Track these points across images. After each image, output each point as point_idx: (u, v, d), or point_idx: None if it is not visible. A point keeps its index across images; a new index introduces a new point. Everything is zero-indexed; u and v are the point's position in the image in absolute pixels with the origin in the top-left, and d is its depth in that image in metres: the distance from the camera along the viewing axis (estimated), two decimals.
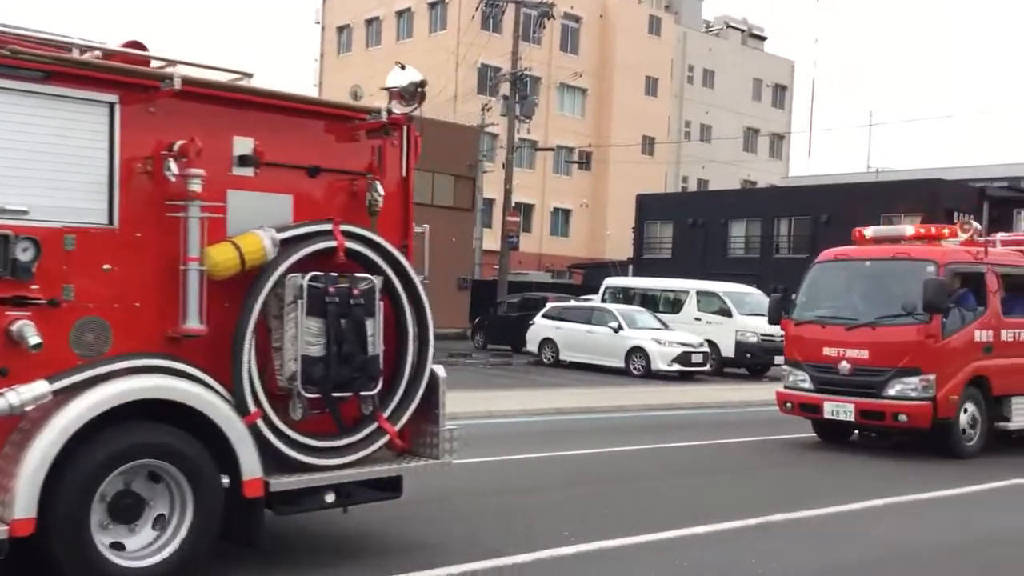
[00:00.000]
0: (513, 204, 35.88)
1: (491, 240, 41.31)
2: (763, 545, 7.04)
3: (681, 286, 25.69)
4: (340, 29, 58.62)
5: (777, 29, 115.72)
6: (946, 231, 12.21)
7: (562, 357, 23.42)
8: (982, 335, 11.59)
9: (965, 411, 11.41)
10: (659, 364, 21.15)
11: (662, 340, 21.57)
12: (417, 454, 6.21)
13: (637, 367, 21.50)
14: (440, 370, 6.29)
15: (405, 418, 6.03)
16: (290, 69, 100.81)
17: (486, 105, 38.59)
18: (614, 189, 54.23)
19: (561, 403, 15.79)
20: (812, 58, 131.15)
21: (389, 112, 6.55)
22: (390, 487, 6.19)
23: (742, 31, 67.35)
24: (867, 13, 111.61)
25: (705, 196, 51.95)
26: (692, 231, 43.71)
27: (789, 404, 12.16)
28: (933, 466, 10.92)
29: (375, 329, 5.76)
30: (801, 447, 12.15)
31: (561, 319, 24.06)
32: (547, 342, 23.96)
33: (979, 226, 12.13)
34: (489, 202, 43.33)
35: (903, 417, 11.13)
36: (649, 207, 46.77)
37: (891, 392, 11.22)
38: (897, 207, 39.63)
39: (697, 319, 23.93)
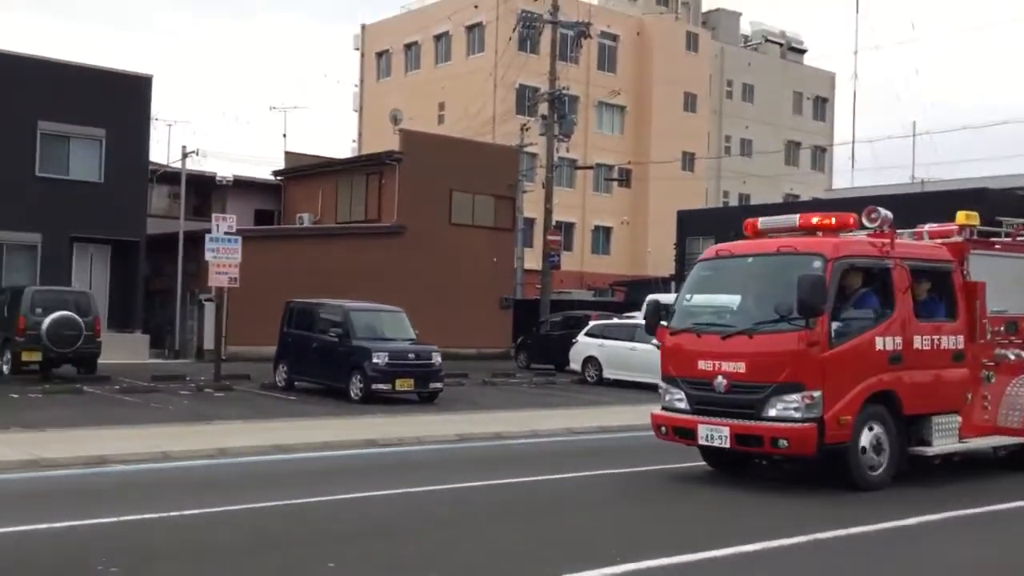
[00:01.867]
0: (554, 223, 35.95)
1: (532, 259, 41.37)
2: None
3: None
4: (379, 55, 59.27)
5: (817, 41, 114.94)
6: (850, 220, 10.41)
7: (605, 375, 23.39)
8: (886, 343, 9.85)
9: (867, 433, 9.65)
10: None
11: None
12: None
13: None
14: None
15: None
16: (331, 96, 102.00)
17: (525, 125, 38.76)
18: (655, 206, 54.08)
19: (605, 421, 15.78)
20: (853, 69, 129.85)
21: None
22: None
23: (780, 45, 67.01)
24: (907, 23, 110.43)
25: (747, 211, 51.42)
26: None
27: (664, 428, 10.49)
28: (831, 501, 9.40)
29: None
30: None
31: (604, 337, 24.05)
32: (590, 360, 23.95)
33: (888, 214, 10.33)
34: (530, 221, 43.42)
35: (783, 442, 9.34)
36: (690, 223, 46.49)
37: (771, 412, 9.45)
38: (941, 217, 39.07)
39: None
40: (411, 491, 9.63)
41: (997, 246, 11.75)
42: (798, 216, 10.71)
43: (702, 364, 10.03)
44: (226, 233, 20.66)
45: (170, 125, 56.05)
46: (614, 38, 55.08)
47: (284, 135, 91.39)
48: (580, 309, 32.91)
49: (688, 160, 56.93)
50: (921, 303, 10.42)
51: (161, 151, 52.06)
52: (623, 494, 9.89)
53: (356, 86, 60.56)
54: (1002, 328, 11.21)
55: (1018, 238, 12.05)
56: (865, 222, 10.40)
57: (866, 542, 7.68)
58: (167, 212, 34.44)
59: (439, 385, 19.52)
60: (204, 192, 35.89)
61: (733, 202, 60.50)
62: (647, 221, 54.92)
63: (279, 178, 38.26)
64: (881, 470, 9.80)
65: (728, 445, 9.82)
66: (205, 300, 28.49)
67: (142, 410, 16.40)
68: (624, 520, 8.53)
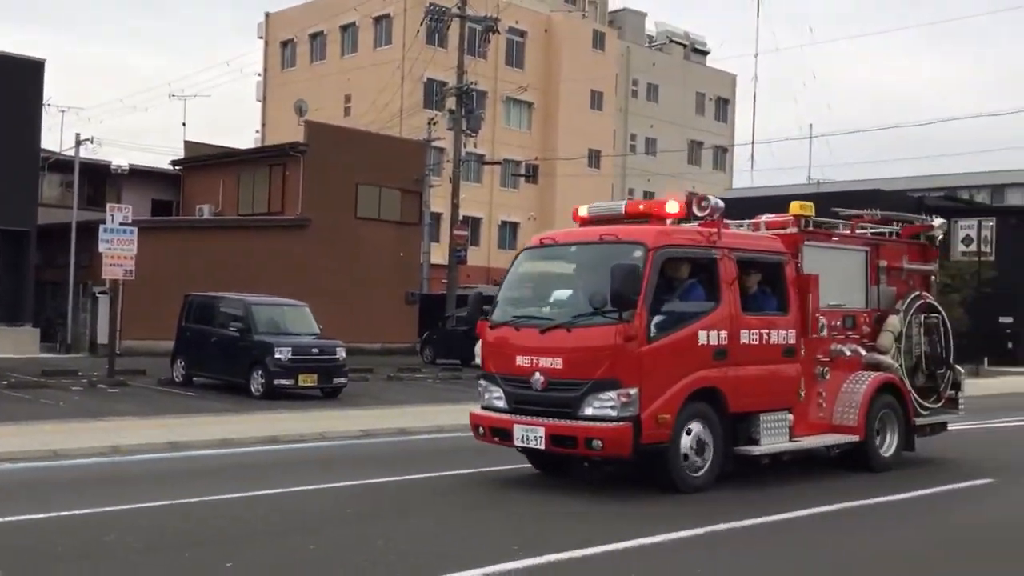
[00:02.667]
0: (460, 218, 35.85)
1: (439, 254, 41.23)
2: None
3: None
4: (284, 44, 58.20)
5: (719, 44, 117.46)
6: (676, 207, 9.80)
7: None
8: (711, 337, 9.34)
9: (688, 433, 9.12)
10: None
11: None
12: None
13: None
14: (960, 368, 11.91)
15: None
16: (234, 85, 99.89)
17: (432, 119, 38.56)
18: (561, 202, 54.40)
19: None
20: (753, 72, 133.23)
21: None
22: (944, 426, 12.18)
23: (684, 46, 68.20)
24: (807, 27, 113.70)
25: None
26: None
27: (481, 429, 9.82)
28: (649, 504, 8.83)
29: None
30: None
31: None
32: None
33: (719, 203, 9.85)
34: (436, 216, 43.24)
35: (597, 443, 8.76)
36: None
37: (587, 411, 8.88)
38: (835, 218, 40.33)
39: None
40: (313, 488, 9.45)
41: (834, 238, 11.43)
42: (625, 203, 10.31)
43: (520, 360, 9.38)
44: (121, 224, 20.03)
45: (63, 112, 53.70)
46: (522, 34, 55.23)
47: (184, 124, 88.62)
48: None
49: (594, 157, 57.48)
50: (752, 296, 9.99)
51: (54, 139, 50.19)
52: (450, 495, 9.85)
53: (260, 75, 59.35)
54: (839, 323, 10.97)
55: (857, 230, 11.79)
56: (695, 211, 9.85)
57: (679, 549, 7.18)
58: (59, 201, 33.21)
59: (343, 380, 19.28)
60: (98, 181, 34.70)
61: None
62: (554, 217, 55.21)
63: (178, 168, 37.26)
64: (703, 471, 9.28)
65: (543, 447, 9.18)
66: (99, 293, 27.59)
67: (31, 406, 15.76)
68: (455, 522, 8.51)
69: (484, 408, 9.89)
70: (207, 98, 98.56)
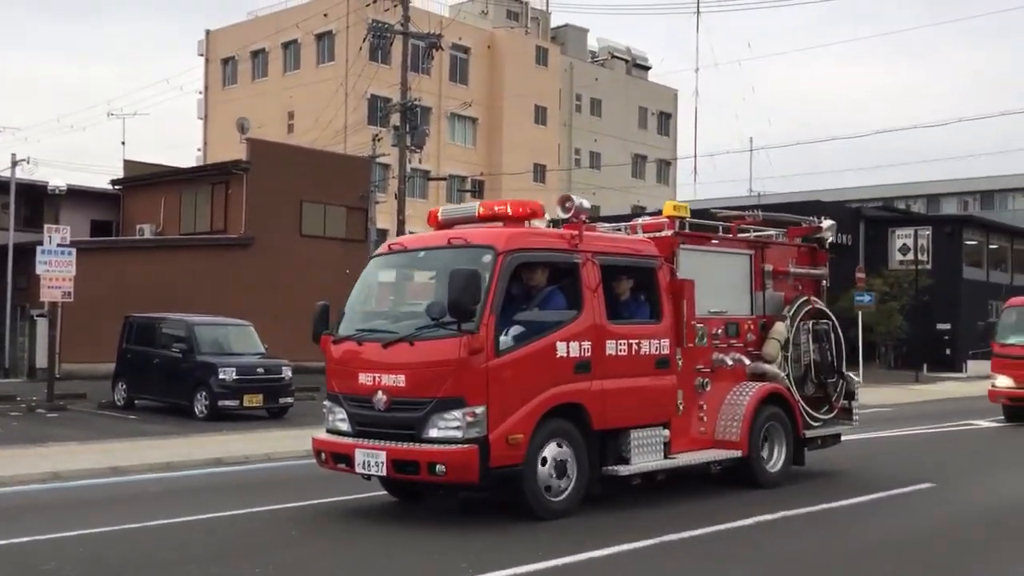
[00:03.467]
0: (407, 234, 35.73)
1: None
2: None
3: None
4: (225, 61, 57.66)
5: (659, 59, 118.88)
6: (538, 209, 9.15)
7: None
8: (571, 348, 8.61)
9: (546, 454, 8.37)
10: None
11: None
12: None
13: None
14: (855, 376, 11.75)
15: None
16: (174, 103, 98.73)
17: (377, 136, 38.40)
18: None
19: None
20: (694, 86, 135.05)
21: None
22: (837, 438, 11.73)
23: (626, 61, 68.91)
24: (744, 42, 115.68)
25: (596, 222, 52.72)
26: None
27: (323, 455, 8.97)
28: (504, 533, 8.06)
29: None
30: None
31: None
32: None
33: (585, 203, 9.22)
34: (383, 232, 42.93)
35: (441, 468, 7.93)
36: None
37: (431, 433, 8.08)
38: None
39: None
40: (258, 510, 9.32)
41: (714, 241, 10.79)
42: (479, 204, 9.41)
43: (363, 378, 8.55)
44: (59, 245, 19.66)
45: None
46: (466, 50, 55.37)
47: (123, 143, 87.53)
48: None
49: (539, 172, 57.73)
50: (623, 303, 9.41)
51: None
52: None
53: (200, 93, 58.70)
54: (721, 331, 10.35)
55: (739, 234, 11.18)
56: (559, 212, 9.21)
57: None
58: None
59: (289, 400, 19.10)
60: (35, 202, 33.95)
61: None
62: None
63: (117, 187, 36.64)
64: (565, 495, 8.52)
65: (385, 473, 8.37)
66: (37, 316, 27.00)
67: None
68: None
69: (329, 432, 9.01)
70: (146, 116, 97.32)
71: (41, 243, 19.80)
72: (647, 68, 71.02)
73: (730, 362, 10.34)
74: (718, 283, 10.50)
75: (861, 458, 12.93)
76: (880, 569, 7.22)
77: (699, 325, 10.02)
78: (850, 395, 11.67)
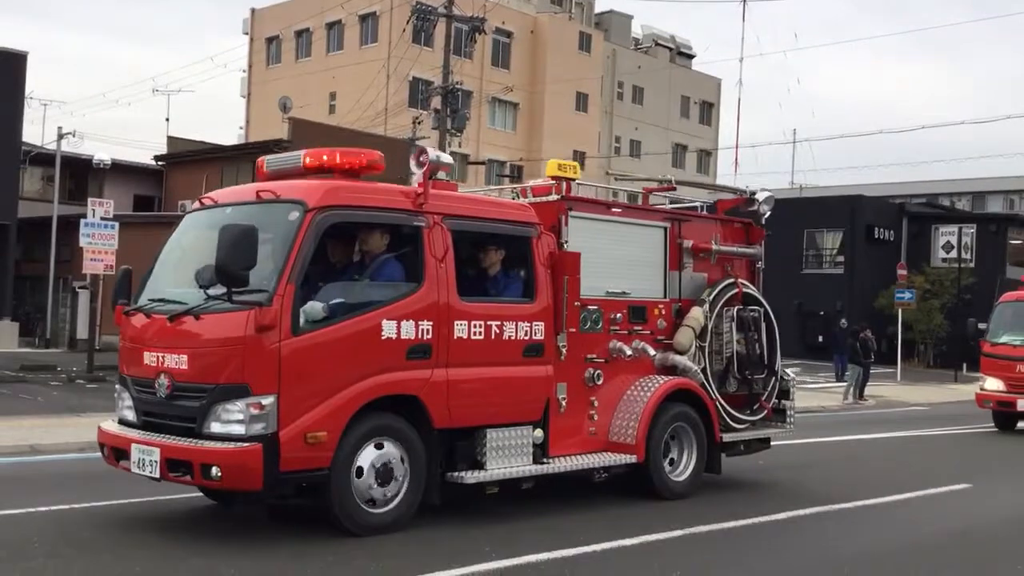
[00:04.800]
0: None
1: None
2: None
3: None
4: (269, 40, 57.97)
5: (705, 47, 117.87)
6: (376, 160, 7.63)
7: None
8: (404, 328, 7.17)
9: (363, 456, 6.99)
10: None
11: None
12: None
13: None
14: (791, 372, 10.62)
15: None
16: (219, 81, 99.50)
17: (417, 118, 38.48)
18: None
19: None
20: (738, 76, 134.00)
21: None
22: (765, 442, 10.38)
23: (670, 49, 68.36)
24: (792, 32, 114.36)
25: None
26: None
27: (105, 448, 7.57)
28: (306, 554, 6.64)
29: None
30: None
31: None
32: None
33: (444, 157, 7.86)
34: None
35: (216, 471, 6.53)
36: None
37: (213, 427, 6.68)
38: (819, 223, 40.59)
39: None
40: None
41: (616, 210, 9.29)
42: (305, 152, 7.69)
43: (147, 357, 7.16)
44: (102, 219, 19.93)
45: (45, 105, 53.55)
46: (508, 35, 55.22)
47: (167, 119, 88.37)
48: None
49: (579, 159, 57.51)
50: (492, 279, 8.12)
51: (36, 132, 49.87)
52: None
53: (244, 72, 59.10)
54: (621, 315, 8.93)
55: (654, 204, 10.00)
56: (412, 167, 7.76)
57: None
58: (41, 195, 33.01)
59: None
60: (80, 176, 34.48)
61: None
62: None
63: (161, 164, 37.05)
64: (391, 506, 7.13)
65: (159, 474, 6.90)
66: (79, 288, 27.39)
67: (9, 401, 15.63)
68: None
69: (119, 421, 7.57)
70: (191, 93, 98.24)
71: (85, 216, 20.08)
72: (691, 56, 70.42)
73: (629, 352, 8.85)
74: (621, 260, 9.06)
75: (804, 467, 11.68)
76: None
77: (593, 307, 8.61)
78: (784, 394, 10.25)
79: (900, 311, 29.45)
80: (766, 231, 10.55)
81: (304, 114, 40.99)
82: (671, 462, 9.19)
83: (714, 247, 9.83)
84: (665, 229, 9.57)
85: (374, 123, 43.11)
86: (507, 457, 7.79)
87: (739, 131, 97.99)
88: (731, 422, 9.67)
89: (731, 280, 9.87)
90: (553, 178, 8.63)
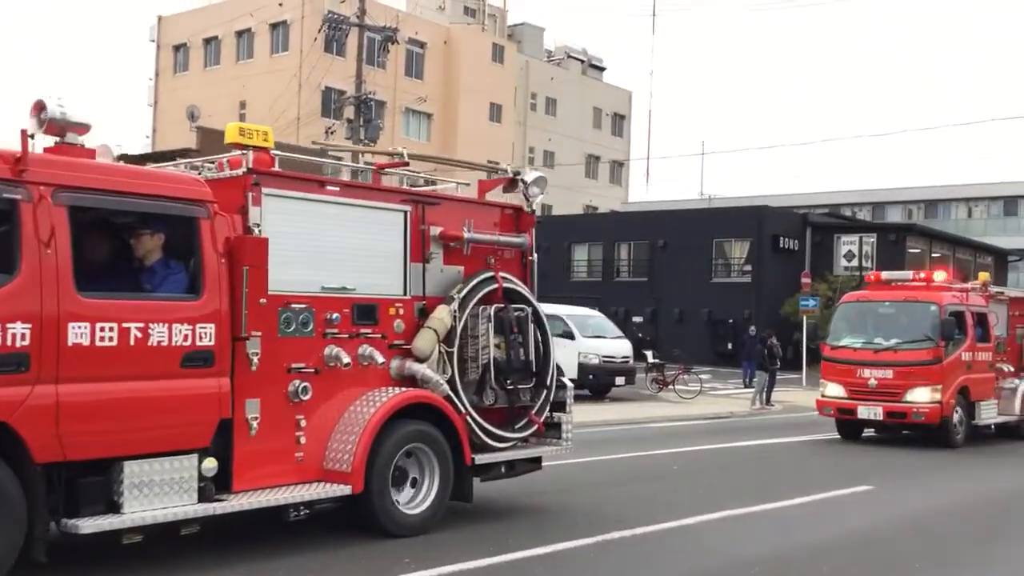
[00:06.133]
0: None
1: None
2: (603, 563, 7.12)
3: None
4: (176, 48, 56.85)
5: (616, 60, 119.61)
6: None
7: None
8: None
9: None
10: None
11: None
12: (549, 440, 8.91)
13: None
14: (567, 380, 8.97)
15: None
16: (126, 89, 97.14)
17: (330, 128, 38.16)
18: None
19: None
20: (648, 89, 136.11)
21: None
22: (536, 462, 8.93)
23: (582, 61, 69.23)
24: (699, 46, 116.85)
25: (549, 221, 52.93)
26: (536, 254, 44.47)
27: None
28: None
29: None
30: (643, 464, 12.38)
31: None
32: None
33: (73, 116, 6.38)
34: None
35: None
36: None
37: None
38: (728, 232, 41.52)
39: None
40: None
41: (333, 188, 7.68)
42: None
43: None
44: None
45: None
46: (422, 45, 55.20)
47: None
48: None
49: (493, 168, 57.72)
50: (148, 270, 6.65)
51: None
52: None
53: (151, 79, 57.83)
54: (340, 316, 7.39)
55: (386, 183, 8.76)
56: (31, 126, 6.25)
57: None
58: None
59: None
60: None
61: (536, 212, 61.82)
62: None
63: None
64: None
65: None
66: None
67: None
68: None
69: None
70: (95, 101, 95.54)
71: None
72: (602, 69, 71.42)
73: (347, 360, 7.31)
74: (345, 249, 7.53)
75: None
76: None
77: (299, 306, 7.12)
78: (560, 406, 8.86)
79: (805, 318, 30.26)
80: (536, 218, 9.33)
81: (213, 123, 40.23)
82: (413, 488, 7.74)
83: (466, 235, 8.33)
84: (406, 213, 7.97)
85: (286, 133, 42.60)
86: (157, 496, 6.19)
87: (650, 142, 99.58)
88: (489, 440, 8.21)
89: (489, 274, 8.47)
90: (235, 146, 7.03)
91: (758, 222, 40.68)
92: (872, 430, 16.66)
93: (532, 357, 8.54)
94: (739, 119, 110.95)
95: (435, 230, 8.18)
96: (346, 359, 7.32)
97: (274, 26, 51.78)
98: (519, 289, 8.73)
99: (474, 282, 8.30)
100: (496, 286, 8.45)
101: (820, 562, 7.52)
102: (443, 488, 7.80)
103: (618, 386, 23.68)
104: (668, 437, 16.29)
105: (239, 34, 53.48)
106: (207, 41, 54.97)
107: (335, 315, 7.37)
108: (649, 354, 26.80)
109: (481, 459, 8.15)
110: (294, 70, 47.94)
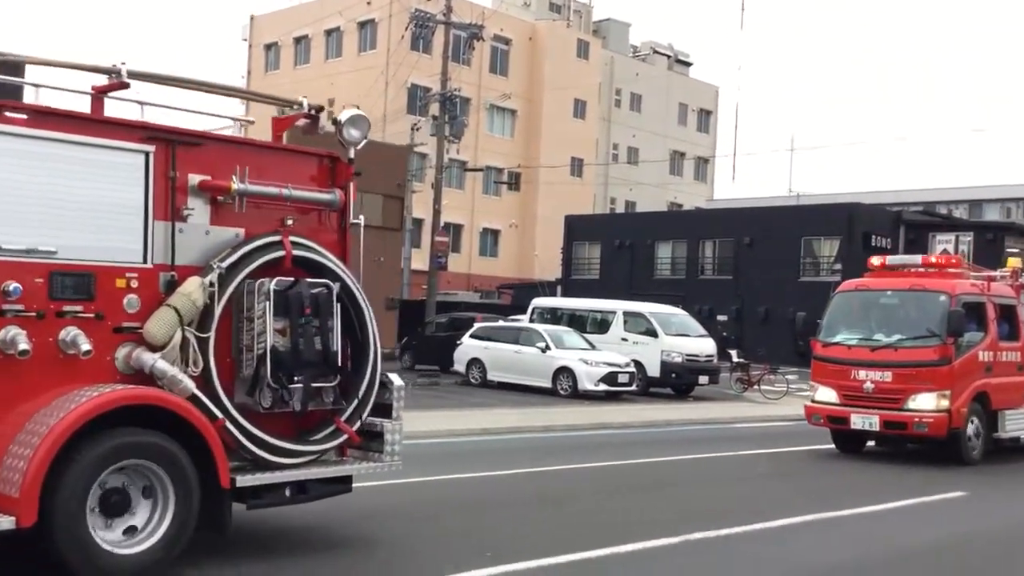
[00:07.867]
0: (442, 224, 35.89)
1: (420, 260, 41.22)
2: (687, 562, 7.12)
3: (608, 307, 25.98)
4: (268, 47, 58.17)
5: (702, 55, 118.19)
6: None
7: (490, 377, 23.44)
8: None
9: None
10: (586, 384, 21.29)
11: (589, 360, 21.73)
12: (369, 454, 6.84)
13: (564, 387, 21.61)
14: (396, 378, 6.90)
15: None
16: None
17: (415, 125, 38.60)
18: (543, 210, 54.60)
19: (488, 423, 15.82)
20: (736, 84, 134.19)
21: None
22: (343, 482, 6.84)
23: (668, 56, 68.61)
24: (789, 41, 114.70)
25: (632, 218, 52.66)
26: (619, 252, 44.26)
27: None
28: None
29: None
30: (742, 461, 12.30)
31: (489, 339, 24.08)
32: (475, 362, 23.95)
33: None
34: (418, 222, 43.25)
35: None
36: (577, 228, 47.23)
37: None
38: (816, 230, 40.70)
39: (624, 339, 24.17)
40: None
41: (16, 116, 5.72)
42: None
43: None
44: None
45: None
46: (507, 42, 55.38)
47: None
48: (466, 311, 32.94)
49: (576, 166, 57.66)
50: None
51: None
52: None
53: (243, 77, 59.27)
54: (35, 287, 5.64)
55: (111, 112, 6.42)
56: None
57: None
58: None
59: None
60: None
61: (620, 209, 61.63)
62: (535, 225, 55.39)
63: None
64: None
65: None
66: None
67: None
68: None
69: None
70: (189, 100, 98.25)
71: None
72: (688, 64, 70.68)
73: (24, 346, 5.49)
74: (43, 198, 5.69)
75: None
76: None
77: None
78: (384, 411, 6.96)
79: None
80: (356, 170, 7.57)
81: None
82: (133, 519, 5.82)
83: (235, 186, 6.39)
84: (147, 155, 6.10)
85: (372, 129, 43.20)
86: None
87: (736, 138, 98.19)
88: (267, 454, 6.31)
89: (273, 239, 6.51)
90: None
91: (848, 219, 39.75)
92: (873, 442, 14.29)
93: (335, 347, 6.65)
94: (830, 114, 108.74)
95: (194, 179, 6.30)
96: (23, 345, 5.49)
97: (362, 24, 52.56)
98: (322, 260, 6.71)
99: (247, 248, 6.37)
100: (283, 252, 6.48)
101: (904, 569, 7.32)
102: (181, 518, 5.86)
103: (702, 385, 23.43)
104: (756, 438, 16.04)
105: (328, 33, 54.43)
106: (297, 40, 56.09)
107: (14, 285, 5.52)
108: (734, 353, 26.43)
109: (250, 480, 6.20)
110: (381, 68, 48.59)
